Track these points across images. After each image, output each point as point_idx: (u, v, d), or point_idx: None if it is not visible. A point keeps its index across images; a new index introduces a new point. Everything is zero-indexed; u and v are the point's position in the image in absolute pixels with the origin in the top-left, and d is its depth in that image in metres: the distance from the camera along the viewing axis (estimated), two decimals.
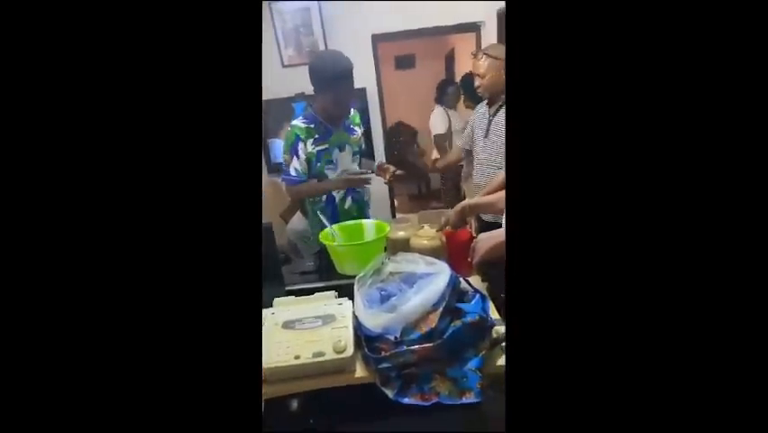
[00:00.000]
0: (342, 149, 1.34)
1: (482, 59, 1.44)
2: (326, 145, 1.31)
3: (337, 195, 1.38)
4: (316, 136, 1.29)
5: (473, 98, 2.37)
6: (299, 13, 2.58)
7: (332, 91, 1.26)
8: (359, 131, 1.44)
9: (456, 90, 2.84)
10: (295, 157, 1.29)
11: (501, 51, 1.42)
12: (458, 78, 3.19)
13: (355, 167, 1.40)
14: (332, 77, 1.24)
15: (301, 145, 1.28)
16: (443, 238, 1.09)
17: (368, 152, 2.58)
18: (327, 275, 1.09)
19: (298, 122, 1.31)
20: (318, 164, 1.32)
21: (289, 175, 1.30)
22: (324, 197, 1.37)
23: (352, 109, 1.41)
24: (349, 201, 1.40)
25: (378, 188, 2.58)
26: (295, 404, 1.07)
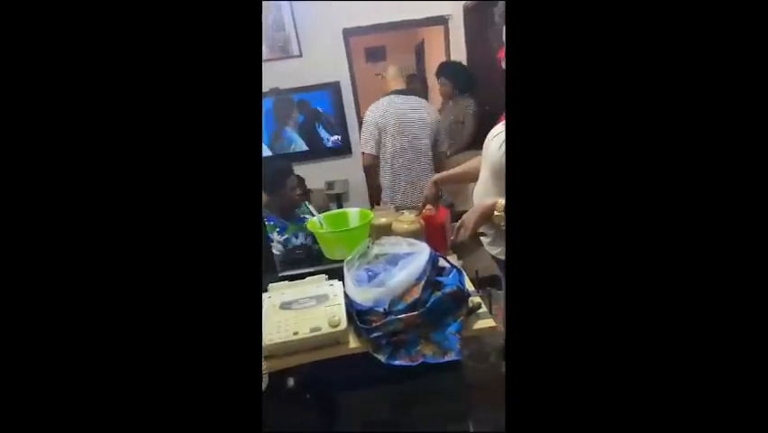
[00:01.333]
0: (297, 236, 1.52)
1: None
2: (287, 235, 1.50)
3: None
4: (278, 230, 1.48)
5: (455, 87, 2.48)
6: (271, 10, 2.60)
7: (277, 194, 1.49)
8: (313, 216, 1.53)
9: (423, 83, 2.96)
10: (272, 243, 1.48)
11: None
12: (428, 69, 3.28)
13: (309, 243, 1.56)
14: (273, 180, 1.47)
15: (273, 236, 1.46)
16: (422, 222, 1.19)
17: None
18: (316, 261, 1.18)
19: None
20: (287, 245, 1.49)
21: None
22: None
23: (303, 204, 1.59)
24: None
25: (357, 179, 2.64)
26: (291, 381, 1.15)
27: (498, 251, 0.82)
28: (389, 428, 1.07)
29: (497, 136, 0.78)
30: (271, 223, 1.48)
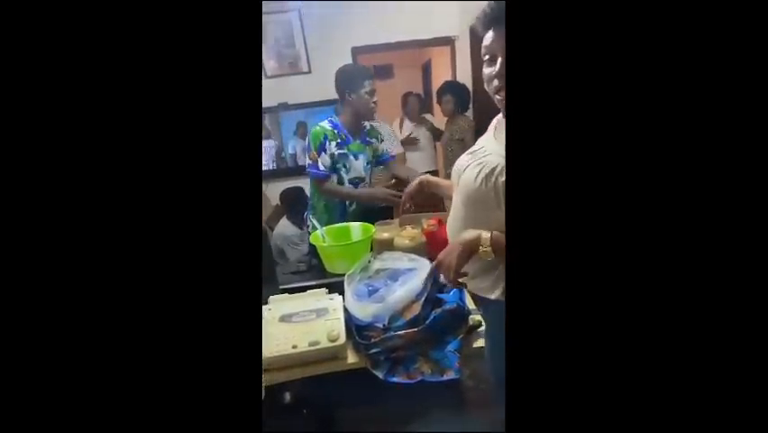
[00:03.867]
0: (356, 157, 1.48)
1: None
2: (345, 150, 1.45)
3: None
4: (338, 141, 1.43)
5: (456, 107, 2.50)
6: (280, 26, 2.67)
7: (352, 104, 1.42)
8: (375, 142, 1.56)
9: (416, 101, 2.93)
10: (323, 153, 1.41)
11: None
12: (434, 88, 3.32)
13: (364, 174, 1.53)
14: (351, 81, 1.41)
15: (328, 144, 1.41)
16: (425, 238, 1.19)
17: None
18: (318, 274, 1.18)
19: (325, 124, 1.43)
20: (336, 165, 1.45)
21: (317, 169, 1.41)
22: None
23: (368, 124, 1.55)
24: (354, 205, 1.54)
25: None
26: (288, 396, 1.14)
27: (484, 286, 0.74)
28: None
29: (469, 167, 0.74)
30: (335, 130, 1.42)
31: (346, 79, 1.42)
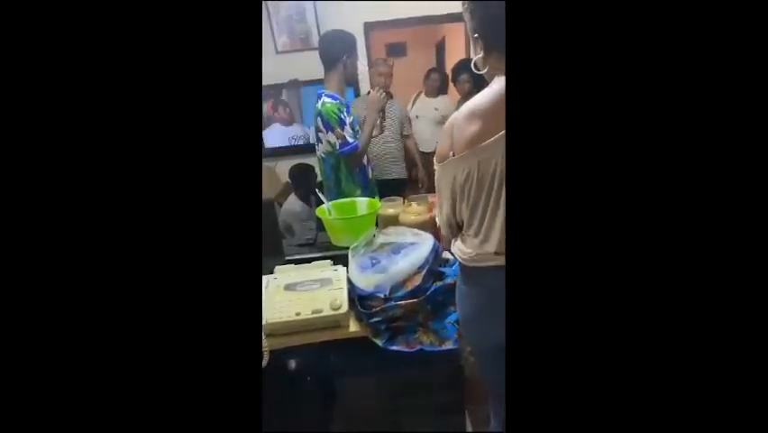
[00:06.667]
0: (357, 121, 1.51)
1: None
2: (353, 117, 1.49)
3: (368, 166, 1.57)
4: (345, 110, 1.45)
5: (472, 87, 2.45)
6: (293, 2, 2.62)
7: (346, 67, 1.45)
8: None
9: (438, 78, 2.86)
10: (346, 126, 1.41)
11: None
12: (448, 67, 3.26)
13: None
14: (340, 49, 1.42)
15: (343, 116, 1.42)
16: (430, 215, 1.19)
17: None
18: (324, 248, 1.20)
19: (327, 100, 1.42)
20: (356, 130, 1.48)
21: (348, 144, 1.41)
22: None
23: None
24: (370, 170, 1.60)
25: None
26: (293, 364, 1.18)
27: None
28: (387, 415, 1.09)
29: None
30: (337, 102, 1.42)
31: (341, 42, 1.43)
